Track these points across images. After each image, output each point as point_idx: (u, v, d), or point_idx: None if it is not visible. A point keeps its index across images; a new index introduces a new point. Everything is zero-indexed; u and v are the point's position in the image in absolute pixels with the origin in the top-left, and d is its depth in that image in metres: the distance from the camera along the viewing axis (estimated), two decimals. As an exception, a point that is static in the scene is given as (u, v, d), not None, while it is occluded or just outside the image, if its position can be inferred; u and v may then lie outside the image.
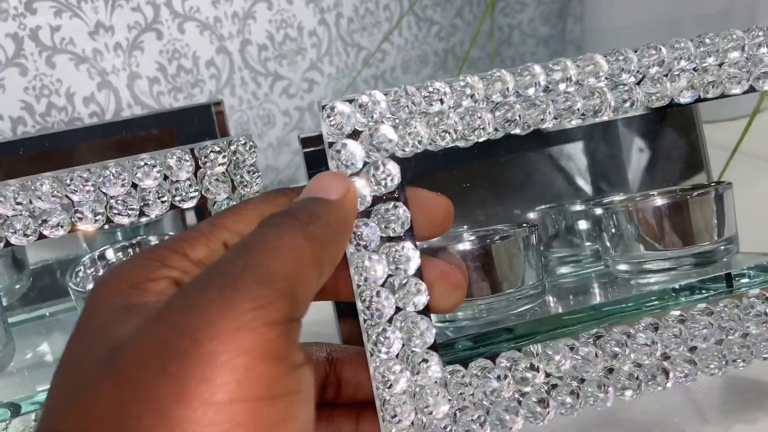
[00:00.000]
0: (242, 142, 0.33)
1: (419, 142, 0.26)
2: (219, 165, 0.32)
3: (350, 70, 0.75)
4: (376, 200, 0.25)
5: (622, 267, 0.36)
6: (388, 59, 0.79)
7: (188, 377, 0.16)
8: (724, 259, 0.34)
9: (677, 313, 0.29)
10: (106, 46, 0.57)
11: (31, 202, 0.30)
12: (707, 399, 0.34)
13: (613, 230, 0.35)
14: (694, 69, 0.29)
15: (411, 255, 0.25)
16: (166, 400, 0.16)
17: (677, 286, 0.35)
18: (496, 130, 0.27)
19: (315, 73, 0.73)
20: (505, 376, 0.27)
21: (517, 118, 0.27)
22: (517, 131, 0.27)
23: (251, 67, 0.67)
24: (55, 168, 0.30)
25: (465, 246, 0.33)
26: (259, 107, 0.69)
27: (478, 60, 0.88)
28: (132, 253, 0.41)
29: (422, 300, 0.25)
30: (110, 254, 0.41)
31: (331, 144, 0.25)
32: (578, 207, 0.41)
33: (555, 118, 0.27)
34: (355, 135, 0.25)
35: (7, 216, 0.29)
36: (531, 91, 0.27)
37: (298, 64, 0.71)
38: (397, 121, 0.26)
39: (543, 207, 0.41)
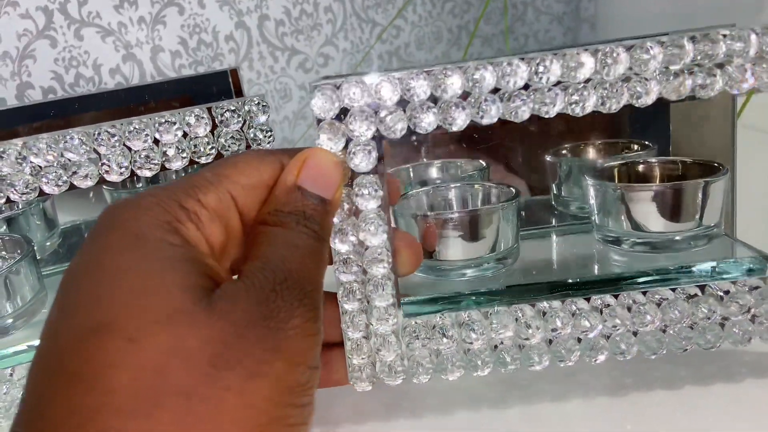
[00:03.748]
0: (255, 102, 0.35)
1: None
2: (234, 123, 0.34)
3: (365, 46, 0.77)
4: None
5: (599, 236, 0.38)
6: (402, 35, 0.80)
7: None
8: (695, 248, 0.35)
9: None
10: (130, 20, 0.59)
11: (62, 155, 0.32)
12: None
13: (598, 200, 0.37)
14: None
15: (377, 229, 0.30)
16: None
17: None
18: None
19: (330, 48, 0.75)
20: (452, 335, 0.33)
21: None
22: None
23: (269, 41, 0.70)
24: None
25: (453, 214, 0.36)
26: (276, 81, 0.71)
27: (492, 37, 0.89)
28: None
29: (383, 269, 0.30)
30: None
31: (319, 121, 0.27)
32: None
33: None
34: (343, 113, 0.28)
35: (41, 167, 0.32)
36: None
37: (314, 39, 0.73)
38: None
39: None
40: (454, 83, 0.28)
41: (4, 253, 0.41)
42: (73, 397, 0.17)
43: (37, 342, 0.37)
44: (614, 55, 0.28)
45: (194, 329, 0.19)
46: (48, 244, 0.48)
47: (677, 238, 0.35)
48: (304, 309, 0.21)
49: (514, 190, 0.37)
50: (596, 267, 0.37)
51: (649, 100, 0.28)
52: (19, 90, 0.55)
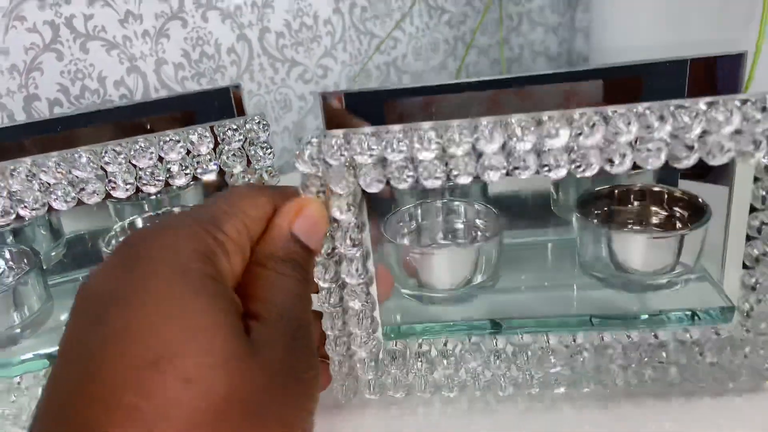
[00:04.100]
0: (256, 120, 0.36)
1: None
2: (236, 141, 0.36)
3: (363, 57, 0.79)
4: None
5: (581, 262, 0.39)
6: (399, 46, 0.82)
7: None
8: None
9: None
10: (135, 34, 0.61)
11: (70, 172, 0.34)
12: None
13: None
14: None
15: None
16: None
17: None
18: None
19: (329, 60, 0.76)
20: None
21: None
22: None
23: (269, 53, 0.71)
24: (88, 144, 0.34)
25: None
26: (276, 92, 0.73)
27: (488, 48, 0.90)
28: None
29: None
30: (139, 223, 0.45)
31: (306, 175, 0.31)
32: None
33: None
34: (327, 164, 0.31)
35: (50, 183, 0.33)
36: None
37: (314, 51, 0.74)
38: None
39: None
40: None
41: (11, 263, 0.42)
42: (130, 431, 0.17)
43: (44, 351, 0.38)
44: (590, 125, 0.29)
45: (246, 377, 0.19)
46: (53, 254, 0.49)
47: (654, 280, 0.36)
48: (314, 358, 0.24)
49: (499, 217, 0.38)
50: (574, 301, 0.39)
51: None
52: (27, 102, 0.57)
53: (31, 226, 0.47)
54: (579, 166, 0.30)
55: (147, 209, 0.48)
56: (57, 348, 0.38)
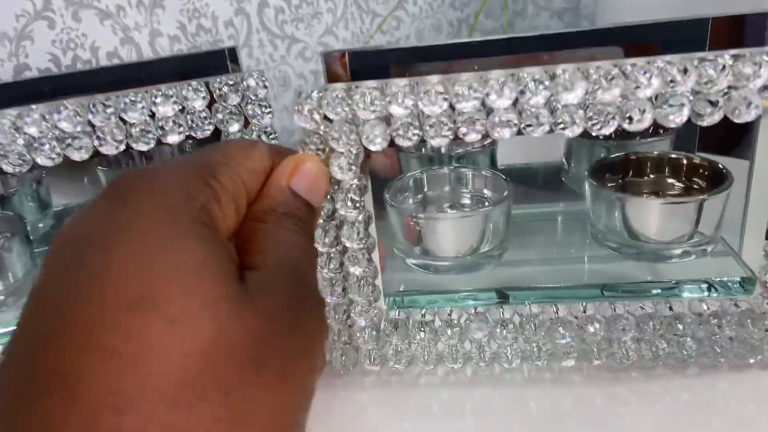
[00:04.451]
0: (254, 76, 0.34)
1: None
2: (232, 98, 0.34)
3: (365, 36, 0.77)
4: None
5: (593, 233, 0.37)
6: (402, 27, 0.80)
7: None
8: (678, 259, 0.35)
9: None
10: (129, 3, 0.59)
11: (56, 127, 0.32)
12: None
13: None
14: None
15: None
16: None
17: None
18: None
19: (330, 38, 0.74)
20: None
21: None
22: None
23: (268, 29, 0.69)
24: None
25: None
26: (275, 69, 0.71)
27: (492, 31, 0.88)
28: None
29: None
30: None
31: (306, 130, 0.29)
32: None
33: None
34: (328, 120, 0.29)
35: (35, 138, 0.32)
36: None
37: (315, 28, 0.72)
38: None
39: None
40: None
41: None
42: (110, 377, 0.16)
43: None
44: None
45: (237, 321, 0.17)
46: (41, 225, 0.48)
47: (670, 251, 0.34)
48: (320, 312, 0.21)
49: (507, 184, 0.37)
50: (585, 273, 0.37)
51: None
52: (16, 71, 0.55)
53: (18, 196, 0.45)
54: (595, 123, 0.28)
55: None
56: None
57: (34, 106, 0.31)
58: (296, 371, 0.19)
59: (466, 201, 0.39)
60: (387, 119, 0.30)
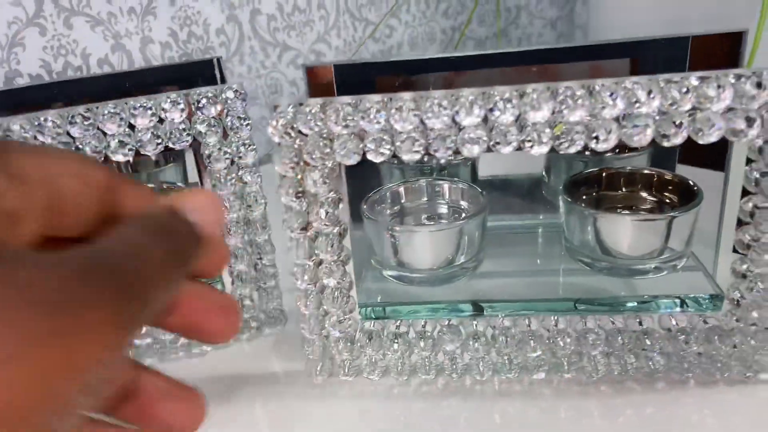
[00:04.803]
0: (234, 89, 0.35)
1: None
2: (211, 110, 0.35)
3: (357, 44, 0.78)
4: None
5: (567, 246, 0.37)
6: (395, 35, 0.80)
7: None
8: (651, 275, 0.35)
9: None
10: (120, 10, 0.60)
11: (35, 138, 0.32)
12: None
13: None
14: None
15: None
16: None
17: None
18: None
19: (322, 45, 0.75)
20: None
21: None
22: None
23: (260, 36, 0.70)
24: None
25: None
26: (267, 76, 0.72)
27: (485, 39, 0.89)
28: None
29: None
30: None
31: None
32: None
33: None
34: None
35: (16, 148, 0.32)
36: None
37: (307, 36, 0.73)
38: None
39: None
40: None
41: None
42: None
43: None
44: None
45: None
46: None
47: (642, 266, 0.34)
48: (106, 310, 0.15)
49: (482, 197, 0.37)
50: (560, 286, 0.37)
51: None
52: (8, 77, 0.55)
53: None
54: (563, 142, 0.29)
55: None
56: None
57: (14, 117, 0.32)
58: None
59: (443, 212, 0.40)
60: (360, 134, 0.30)
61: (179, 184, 0.47)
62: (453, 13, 0.84)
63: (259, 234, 0.38)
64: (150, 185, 0.47)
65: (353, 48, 0.77)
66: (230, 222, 0.37)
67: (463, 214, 0.39)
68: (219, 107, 0.35)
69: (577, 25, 0.97)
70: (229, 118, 0.35)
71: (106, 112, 0.32)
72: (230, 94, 0.35)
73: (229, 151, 0.36)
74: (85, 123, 0.32)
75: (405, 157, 0.30)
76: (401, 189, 0.40)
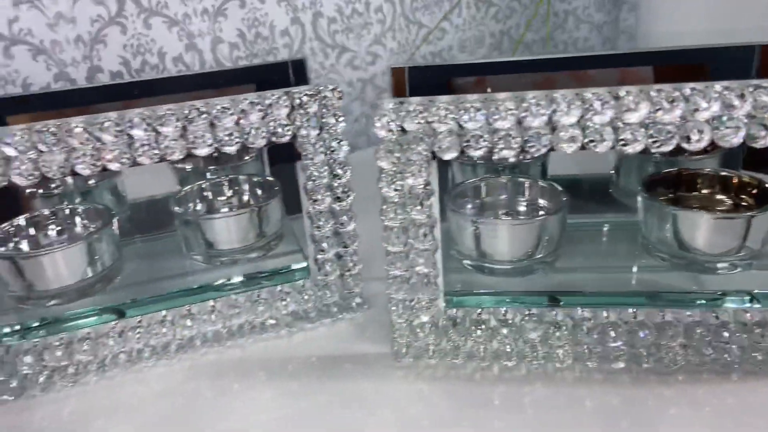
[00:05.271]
0: (330, 88, 0.37)
1: None
2: (310, 107, 0.37)
3: (410, 46, 0.80)
4: None
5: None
6: (446, 38, 0.82)
7: None
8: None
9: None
10: (194, 11, 0.62)
11: (155, 130, 0.35)
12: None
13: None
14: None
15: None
16: None
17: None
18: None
19: (378, 47, 0.77)
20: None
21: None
22: None
23: (321, 38, 0.72)
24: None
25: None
26: (325, 77, 0.74)
27: (533, 43, 0.90)
28: (227, 189, 0.47)
29: None
30: (206, 186, 0.47)
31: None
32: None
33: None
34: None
35: (131, 137, 0.35)
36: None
37: (364, 38, 0.75)
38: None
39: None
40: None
41: (86, 221, 0.44)
42: None
43: (112, 305, 0.40)
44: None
45: None
46: (117, 217, 0.51)
47: (717, 263, 0.36)
48: None
49: (562, 195, 0.39)
50: (633, 281, 0.39)
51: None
52: (90, 72, 0.58)
53: (99, 189, 0.48)
54: (656, 142, 0.31)
55: (208, 177, 0.49)
56: (126, 303, 0.39)
57: (132, 113, 0.34)
58: None
59: (522, 209, 0.42)
60: (458, 130, 0.32)
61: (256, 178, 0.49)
62: (502, 17, 0.86)
63: (346, 224, 0.40)
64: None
65: (406, 50, 0.79)
66: (319, 213, 0.39)
67: (542, 212, 0.40)
68: (317, 105, 0.37)
69: (622, 30, 0.99)
70: (325, 115, 0.37)
71: (219, 107, 0.35)
72: (328, 93, 0.37)
73: (324, 145, 0.38)
74: (201, 118, 0.34)
75: (502, 154, 0.32)
76: (482, 185, 0.42)
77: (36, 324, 0.39)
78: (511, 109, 0.31)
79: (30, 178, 0.33)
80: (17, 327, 0.38)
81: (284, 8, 0.68)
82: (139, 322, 0.39)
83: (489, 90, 0.46)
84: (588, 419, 0.32)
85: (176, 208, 0.43)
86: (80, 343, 0.38)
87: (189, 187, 0.46)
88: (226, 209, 0.46)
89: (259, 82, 0.52)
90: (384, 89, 0.79)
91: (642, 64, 0.44)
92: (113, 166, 0.34)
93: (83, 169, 0.34)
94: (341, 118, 0.38)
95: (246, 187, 0.47)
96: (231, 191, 0.47)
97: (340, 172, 0.39)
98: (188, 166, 0.51)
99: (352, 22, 0.74)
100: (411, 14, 0.78)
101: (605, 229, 0.43)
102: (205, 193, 0.47)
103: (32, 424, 0.35)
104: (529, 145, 0.31)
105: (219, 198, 0.47)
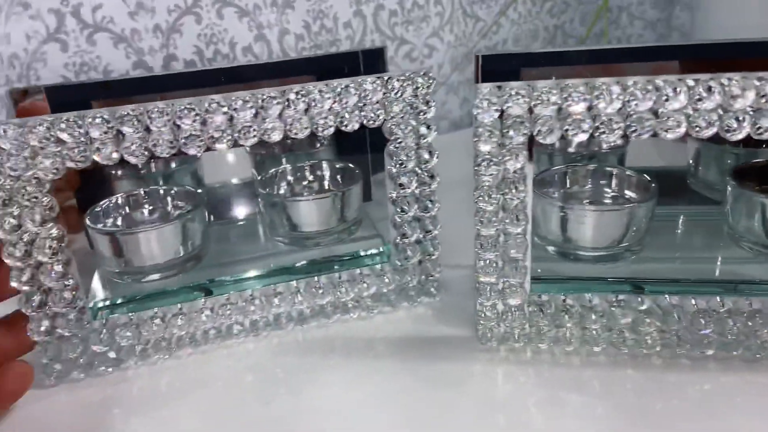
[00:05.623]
0: (422, 73, 0.38)
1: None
2: (404, 93, 0.38)
3: (467, 39, 0.80)
4: None
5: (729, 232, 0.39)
6: (501, 32, 0.83)
7: None
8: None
9: None
10: (264, 2, 0.64)
11: (256, 115, 0.36)
12: None
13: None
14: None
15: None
16: None
17: None
18: None
19: (436, 40, 0.78)
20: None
21: None
22: None
23: (381, 30, 0.73)
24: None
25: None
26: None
27: (586, 40, 0.90)
28: (310, 172, 0.48)
29: None
30: (290, 171, 0.48)
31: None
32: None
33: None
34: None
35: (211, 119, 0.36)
36: None
37: (422, 31, 0.76)
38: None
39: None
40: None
41: (177, 202, 0.45)
42: None
43: (200, 283, 0.41)
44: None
45: None
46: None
47: None
48: None
49: (651, 184, 0.39)
50: (717, 270, 0.39)
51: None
52: (165, 61, 0.60)
53: (179, 173, 0.50)
54: (759, 129, 0.31)
55: (284, 162, 0.50)
56: (214, 280, 0.41)
57: (235, 93, 0.36)
58: None
59: (607, 198, 0.42)
60: (559, 114, 0.33)
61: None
62: (557, 12, 0.86)
63: (430, 208, 0.41)
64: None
65: (463, 43, 0.80)
66: (404, 198, 0.40)
67: (628, 201, 0.41)
68: (410, 90, 0.38)
69: (674, 27, 0.98)
70: (416, 101, 0.38)
71: (317, 91, 0.36)
72: (419, 80, 0.38)
73: (413, 130, 0.39)
74: (303, 99, 0.36)
75: (605, 138, 0.32)
76: (568, 171, 0.42)
77: (134, 297, 0.40)
78: (617, 93, 0.31)
79: (141, 157, 0.34)
80: (119, 300, 0.40)
81: (348, 1, 0.69)
82: (228, 299, 0.40)
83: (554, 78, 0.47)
84: (687, 406, 0.33)
85: (262, 190, 0.44)
86: (174, 318, 0.39)
87: (273, 170, 0.47)
88: (307, 193, 0.48)
89: (329, 71, 0.53)
90: (440, 82, 0.79)
91: (720, 56, 0.43)
92: (218, 147, 0.35)
93: (191, 149, 0.35)
94: (432, 104, 0.39)
95: (327, 173, 0.48)
96: (312, 176, 0.48)
97: (427, 156, 0.40)
98: (263, 152, 0.52)
99: (412, 15, 0.75)
100: (468, 7, 0.79)
101: (684, 219, 0.43)
102: (288, 177, 0.48)
103: (131, 394, 0.37)
104: (631, 130, 0.32)
105: (302, 182, 0.48)
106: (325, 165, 0.48)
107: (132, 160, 0.34)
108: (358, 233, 0.46)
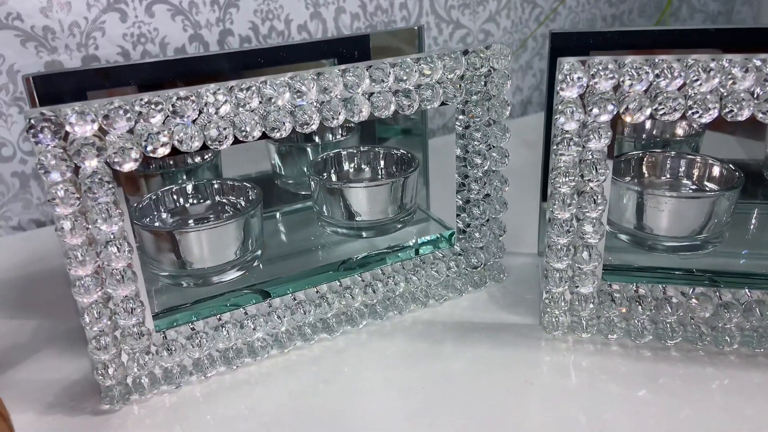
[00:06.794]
0: (498, 49, 0.37)
1: None
2: (482, 68, 0.36)
3: (522, 26, 0.78)
4: None
5: None
6: (558, 19, 0.81)
7: None
8: None
9: None
10: (322, -21, 0.63)
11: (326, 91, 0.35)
12: None
13: None
14: None
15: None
16: None
17: None
18: None
19: (491, 25, 0.76)
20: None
21: None
22: None
23: (437, 13, 0.72)
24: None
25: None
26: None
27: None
28: (354, 156, 0.47)
29: None
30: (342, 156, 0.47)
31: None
32: None
33: None
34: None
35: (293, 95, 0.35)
36: None
37: (479, 15, 0.74)
38: None
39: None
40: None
41: (231, 197, 0.43)
42: None
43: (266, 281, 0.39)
44: None
45: None
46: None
47: None
48: None
49: (736, 173, 0.37)
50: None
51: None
52: (221, 36, 0.59)
53: (201, 168, 0.47)
54: None
55: (310, 154, 0.49)
56: (278, 278, 0.38)
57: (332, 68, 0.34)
58: None
59: (686, 187, 0.40)
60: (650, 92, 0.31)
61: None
62: (616, 1, 0.84)
63: (499, 188, 0.40)
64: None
65: (518, 29, 0.78)
66: (474, 180, 0.39)
67: (707, 191, 0.39)
68: (486, 69, 0.36)
69: (735, 21, 0.94)
70: (494, 77, 0.37)
71: (389, 70, 0.34)
72: (495, 64, 0.37)
73: (489, 108, 0.37)
74: (389, 77, 0.34)
75: (699, 117, 0.30)
76: (644, 158, 0.40)
77: (195, 303, 0.37)
78: (712, 70, 0.30)
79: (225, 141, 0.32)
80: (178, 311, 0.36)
81: (405, -19, 0.68)
82: (294, 299, 0.38)
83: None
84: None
85: (317, 177, 0.42)
86: (251, 320, 0.36)
87: (323, 155, 0.46)
88: (361, 181, 0.46)
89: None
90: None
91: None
92: (308, 129, 0.33)
93: (276, 134, 0.32)
94: (509, 80, 0.37)
95: (382, 161, 0.47)
96: (366, 163, 0.47)
97: (499, 134, 0.38)
98: (289, 144, 0.49)
99: (469, -1, 0.73)
100: (526, -7, 0.77)
101: (759, 213, 0.41)
102: (340, 163, 0.47)
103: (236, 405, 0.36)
104: (726, 111, 0.30)
105: (359, 171, 0.47)
106: (381, 152, 0.46)
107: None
108: (416, 219, 0.44)
